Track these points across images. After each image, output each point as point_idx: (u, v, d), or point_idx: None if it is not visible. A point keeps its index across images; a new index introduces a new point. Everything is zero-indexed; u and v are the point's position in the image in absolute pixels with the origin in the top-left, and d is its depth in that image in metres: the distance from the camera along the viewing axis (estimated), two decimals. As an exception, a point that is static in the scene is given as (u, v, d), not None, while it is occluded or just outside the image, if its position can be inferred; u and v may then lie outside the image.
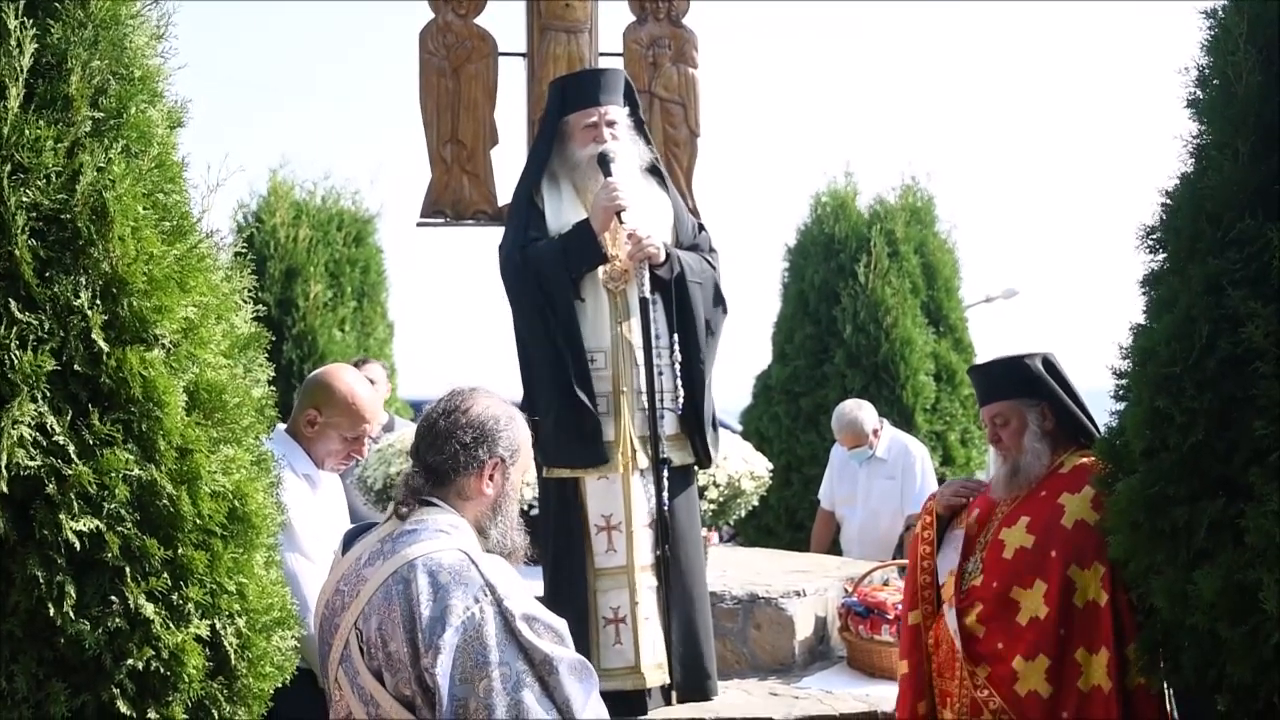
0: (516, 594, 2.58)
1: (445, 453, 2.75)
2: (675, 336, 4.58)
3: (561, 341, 4.49)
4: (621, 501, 4.56)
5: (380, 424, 4.27)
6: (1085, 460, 3.80)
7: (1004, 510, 3.92)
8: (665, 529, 4.54)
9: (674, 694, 4.60)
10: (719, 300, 4.76)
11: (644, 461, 4.57)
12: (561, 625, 2.61)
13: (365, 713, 2.60)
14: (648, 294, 4.49)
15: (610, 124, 4.64)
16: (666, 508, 4.52)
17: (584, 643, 4.49)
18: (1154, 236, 3.50)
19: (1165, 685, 3.59)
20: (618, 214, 4.46)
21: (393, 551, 2.64)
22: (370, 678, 2.58)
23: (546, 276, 4.51)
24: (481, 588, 2.55)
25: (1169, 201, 3.47)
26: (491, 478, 2.77)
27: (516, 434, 2.82)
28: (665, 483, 4.51)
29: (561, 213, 4.62)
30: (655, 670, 4.56)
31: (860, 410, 7.16)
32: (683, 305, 4.62)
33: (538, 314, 4.54)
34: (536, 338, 4.57)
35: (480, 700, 2.47)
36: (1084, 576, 3.66)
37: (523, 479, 2.89)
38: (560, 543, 4.62)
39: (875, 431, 7.14)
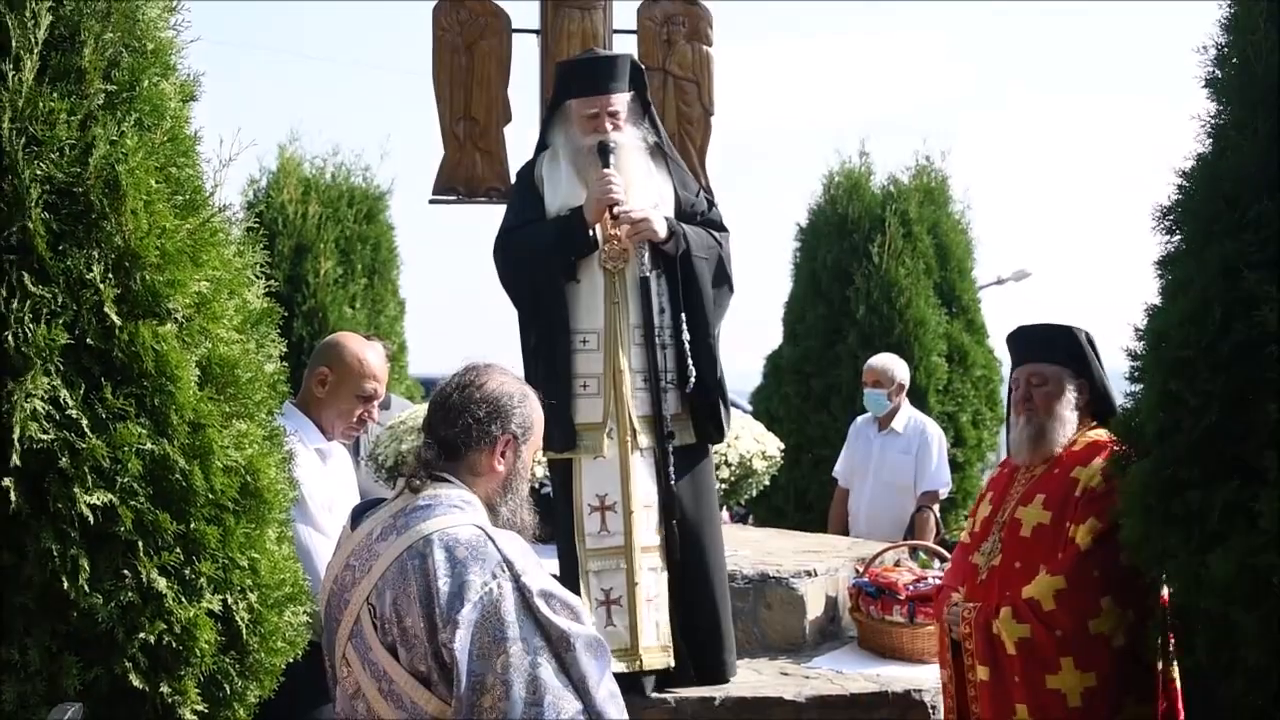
0: (533, 570, 2.57)
1: (458, 426, 2.73)
2: (682, 315, 4.55)
3: (548, 325, 4.49)
4: (618, 482, 4.52)
5: (383, 387, 4.25)
6: (1096, 436, 3.84)
7: (1020, 489, 3.93)
8: (670, 510, 4.52)
9: (692, 674, 4.58)
10: (724, 275, 4.70)
11: (645, 441, 4.55)
12: (578, 602, 2.60)
13: (377, 688, 2.58)
14: (648, 273, 4.49)
15: (613, 114, 4.57)
16: (673, 484, 4.50)
17: None
18: (1170, 218, 3.46)
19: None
20: (610, 208, 4.46)
21: (406, 526, 2.62)
22: (384, 653, 2.56)
23: (537, 260, 4.50)
24: (499, 564, 2.54)
25: (1186, 183, 3.43)
26: (504, 454, 2.75)
27: (529, 412, 2.80)
28: (671, 462, 4.50)
29: (559, 194, 4.59)
30: (658, 654, 4.52)
31: (894, 360, 7.11)
32: (688, 281, 4.58)
33: (520, 295, 4.55)
34: (525, 319, 4.57)
35: (497, 676, 2.46)
36: (1079, 530, 3.70)
37: (534, 457, 2.88)
38: (559, 523, 4.62)
39: (900, 388, 7.03)
